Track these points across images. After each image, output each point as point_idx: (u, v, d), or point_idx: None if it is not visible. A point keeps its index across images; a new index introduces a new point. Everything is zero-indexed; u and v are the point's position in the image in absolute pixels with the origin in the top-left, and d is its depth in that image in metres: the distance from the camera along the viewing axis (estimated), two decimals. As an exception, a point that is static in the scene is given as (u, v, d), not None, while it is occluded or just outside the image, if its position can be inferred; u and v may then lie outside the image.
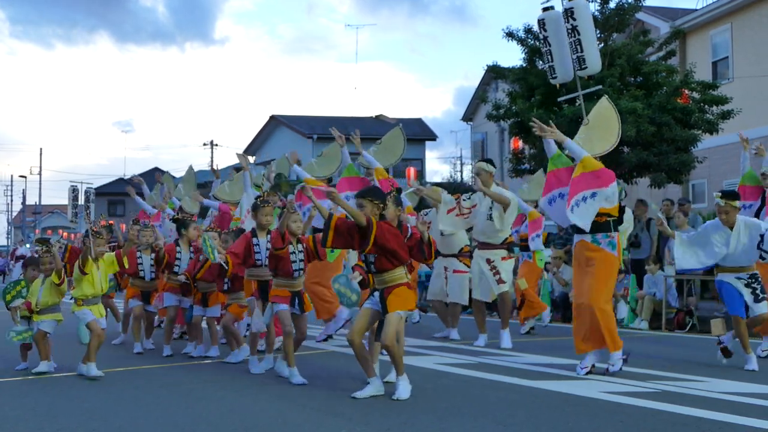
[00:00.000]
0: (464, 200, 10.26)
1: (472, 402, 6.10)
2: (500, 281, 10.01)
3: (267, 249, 7.64)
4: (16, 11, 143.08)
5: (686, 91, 17.76)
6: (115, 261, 7.96)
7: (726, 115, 17.37)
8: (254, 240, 7.77)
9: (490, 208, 9.97)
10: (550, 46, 10.77)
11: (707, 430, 5.20)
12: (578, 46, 10.40)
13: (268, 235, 7.70)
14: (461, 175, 39.31)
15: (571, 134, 19.05)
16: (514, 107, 18.86)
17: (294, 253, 7.32)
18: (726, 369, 7.76)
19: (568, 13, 10.14)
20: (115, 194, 58.71)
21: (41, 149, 78.97)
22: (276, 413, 5.89)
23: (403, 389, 6.24)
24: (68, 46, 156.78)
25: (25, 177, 62.03)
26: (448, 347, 9.77)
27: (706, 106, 17.58)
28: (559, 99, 11.76)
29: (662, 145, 17.17)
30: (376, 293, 6.42)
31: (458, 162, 43.28)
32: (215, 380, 7.38)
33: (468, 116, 37.87)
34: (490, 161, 10.27)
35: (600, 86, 13.11)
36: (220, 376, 7.63)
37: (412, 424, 5.42)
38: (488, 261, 10.05)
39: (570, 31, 10.24)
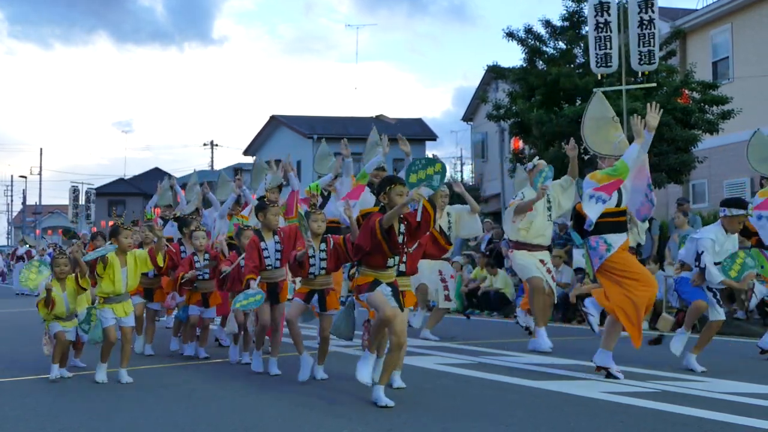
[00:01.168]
0: (521, 199, 9.58)
1: (472, 402, 6.10)
2: (558, 284, 9.77)
3: (276, 251, 7.62)
4: (14, 11, 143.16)
5: (686, 91, 17.79)
6: (148, 260, 7.63)
7: (726, 115, 17.40)
8: (262, 244, 7.64)
9: (549, 208, 9.59)
10: (610, 32, 10.23)
11: (707, 430, 5.21)
12: (652, 40, 9.99)
13: (275, 236, 7.66)
14: (461, 175, 39.29)
15: (571, 134, 18.93)
16: (514, 107, 18.90)
17: (314, 256, 7.14)
18: (726, 369, 7.76)
19: (648, 3, 9.68)
20: (115, 194, 58.68)
21: (41, 149, 79.08)
22: (276, 413, 5.89)
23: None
24: (67, 46, 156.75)
25: (26, 177, 62.11)
26: (448, 347, 9.77)
27: (707, 106, 17.61)
28: (602, 90, 11.30)
29: (662, 145, 17.18)
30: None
31: (458, 162, 43.29)
32: (216, 380, 7.39)
33: (468, 116, 37.88)
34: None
35: (655, 84, 12.76)
36: (221, 376, 7.63)
37: (412, 424, 5.42)
38: (542, 262, 9.73)
39: (647, 23, 9.83)
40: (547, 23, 18.95)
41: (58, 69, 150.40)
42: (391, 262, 6.12)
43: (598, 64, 10.53)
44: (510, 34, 18.90)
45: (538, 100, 18.37)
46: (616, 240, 7.47)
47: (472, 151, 38.44)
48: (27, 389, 7.03)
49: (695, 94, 17.88)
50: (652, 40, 9.86)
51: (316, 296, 7.23)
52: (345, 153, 10.08)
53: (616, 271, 7.46)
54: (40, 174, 56.79)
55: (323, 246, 7.21)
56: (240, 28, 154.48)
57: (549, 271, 9.80)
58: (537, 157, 9.80)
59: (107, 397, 6.53)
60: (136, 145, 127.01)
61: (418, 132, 40.68)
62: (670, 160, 17.13)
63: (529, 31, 18.92)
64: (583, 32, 19.00)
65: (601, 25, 10.73)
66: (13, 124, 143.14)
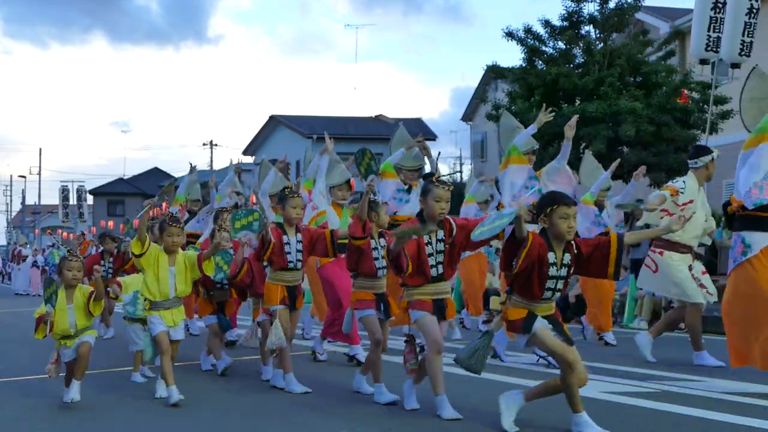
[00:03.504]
0: (682, 192, 8.10)
1: (471, 402, 6.09)
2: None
3: (298, 251, 6.79)
4: (10, 10, 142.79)
5: (686, 91, 17.79)
6: (196, 264, 6.47)
7: (725, 115, 17.41)
8: (284, 238, 6.76)
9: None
10: (724, 14, 9.38)
11: (707, 430, 5.21)
12: (753, 31, 9.25)
13: (298, 234, 6.84)
14: (461, 176, 39.27)
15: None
16: (513, 107, 18.90)
17: (377, 249, 6.40)
18: (726, 369, 7.75)
19: None
20: (114, 194, 58.70)
21: (41, 149, 78.87)
22: (276, 413, 5.89)
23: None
24: (63, 45, 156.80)
25: (25, 177, 62.00)
26: (447, 347, 9.74)
27: (706, 106, 17.61)
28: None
29: (662, 144, 17.22)
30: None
31: (458, 162, 43.35)
32: (216, 381, 7.38)
33: (467, 116, 37.91)
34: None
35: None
36: (221, 376, 7.61)
37: (412, 424, 5.42)
38: (690, 268, 8.38)
39: (755, 12, 9.22)
40: (547, 23, 18.96)
41: (55, 69, 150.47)
42: (548, 293, 5.10)
43: (708, 47, 9.63)
44: (509, 34, 18.92)
45: (537, 100, 18.37)
46: (759, 241, 6.43)
47: (471, 151, 38.47)
48: (27, 389, 7.02)
49: (695, 94, 17.89)
50: (753, 31, 9.19)
51: (381, 304, 6.41)
52: (422, 147, 9.13)
53: (744, 281, 6.44)
54: (39, 174, 56.75)
55: (383, 242, 6.40)
56: (239, 28, 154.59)
57: (702, 273, 8.42)
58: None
59: (107, 397, 6.52)
60: (134, 145, 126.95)
61: (417, 132, 40.69)
62: (670, 160, 17.15)
63: (528, 31, 18.93)
64: (583, 32, 19.07)
65: (720, 5, 9.76)
66: (11, 123, 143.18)
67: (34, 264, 27.94)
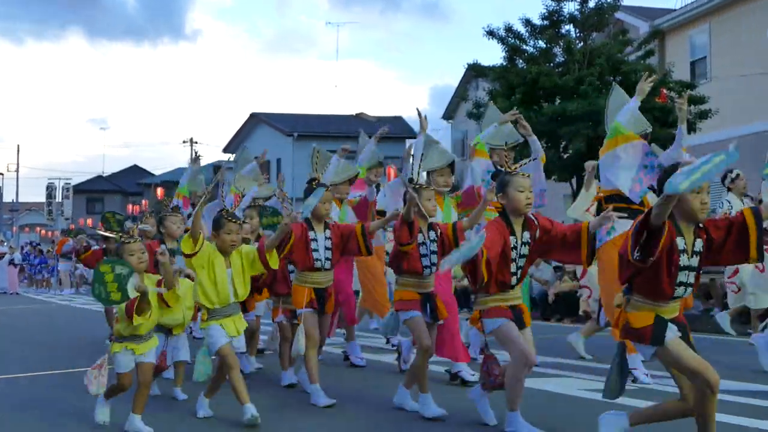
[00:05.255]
0: None
1: (468, 401, 6.16)
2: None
3: (326, 248, 6.16)
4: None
5: (665, 90, 17.99)
6: (257, 259, 5.51)
7: (704, 115, 17.64)
8: (310, 234, 6.11)
9: None
10: None
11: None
12: None
13: (327, 230, 6.21)
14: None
15: (551, 132, 18.95)
16: (495, 106, 19.01)
17: (424, 244, 5.60)
18: (726, 369, 7.81)
19: None
20: (93, 192, 58.20)
21: (18, 146, 78.09)
22: (276, 413, 5.92)
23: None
24: (39, 41, 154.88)
25: (2, 174, 61.30)
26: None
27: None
28: None
29: (642, 143, 17.35)
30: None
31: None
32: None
33: (449, 114, 38.01)
34: None
35: None
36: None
37: (411, 424, 5.48)
38: None
39: None
40: (527, 22, 19.10)
41: (31, 65, 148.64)
42: (680, 290, 4.07)
43: None
44: (490, 33, 19.05)
45: (518, 99, 18.51)
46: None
47: (452, 150, 38.57)
48: (27, 389, 7.03)
49: (673, 93, 18.10)
50: None
51: (428, 305, 5.68)
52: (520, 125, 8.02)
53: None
54: (17, 171, 56.08)
55: (433, 235, 5.68)
56: (218, 24, 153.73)
57: None
58: None
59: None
60: (113, 143, 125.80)
61: (398, 130, 40.80)
62: (650, 159, 17.34)
63: (509, 29, 19.07)
64: (563, 31, 19.23)
65: None
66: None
67: (11, 262, 27.72)
